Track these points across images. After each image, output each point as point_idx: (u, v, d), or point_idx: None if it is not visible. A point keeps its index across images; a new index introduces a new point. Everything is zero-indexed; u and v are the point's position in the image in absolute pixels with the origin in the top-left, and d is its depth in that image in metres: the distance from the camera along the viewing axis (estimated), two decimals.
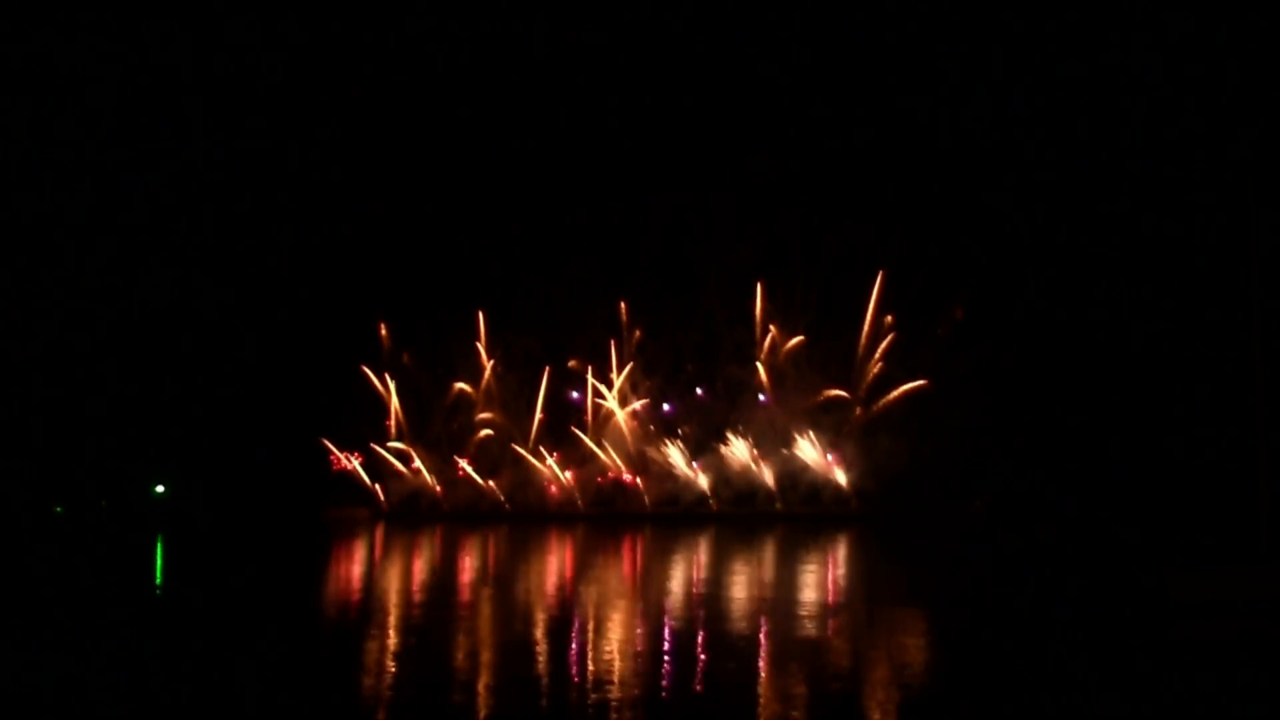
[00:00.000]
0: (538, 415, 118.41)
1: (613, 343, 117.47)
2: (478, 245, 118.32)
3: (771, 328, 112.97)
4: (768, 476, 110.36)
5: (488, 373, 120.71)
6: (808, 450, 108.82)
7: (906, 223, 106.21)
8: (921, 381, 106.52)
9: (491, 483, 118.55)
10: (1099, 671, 23.39)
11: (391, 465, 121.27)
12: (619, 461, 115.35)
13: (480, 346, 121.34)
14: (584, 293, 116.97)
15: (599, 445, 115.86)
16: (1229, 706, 21.04)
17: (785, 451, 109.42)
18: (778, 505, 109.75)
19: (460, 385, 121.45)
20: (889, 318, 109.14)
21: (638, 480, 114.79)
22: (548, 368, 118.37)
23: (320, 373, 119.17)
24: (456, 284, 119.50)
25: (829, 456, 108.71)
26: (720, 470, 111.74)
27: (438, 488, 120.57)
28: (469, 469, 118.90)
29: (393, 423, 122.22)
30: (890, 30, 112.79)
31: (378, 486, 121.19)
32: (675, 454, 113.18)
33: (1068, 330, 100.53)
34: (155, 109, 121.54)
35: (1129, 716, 20.13)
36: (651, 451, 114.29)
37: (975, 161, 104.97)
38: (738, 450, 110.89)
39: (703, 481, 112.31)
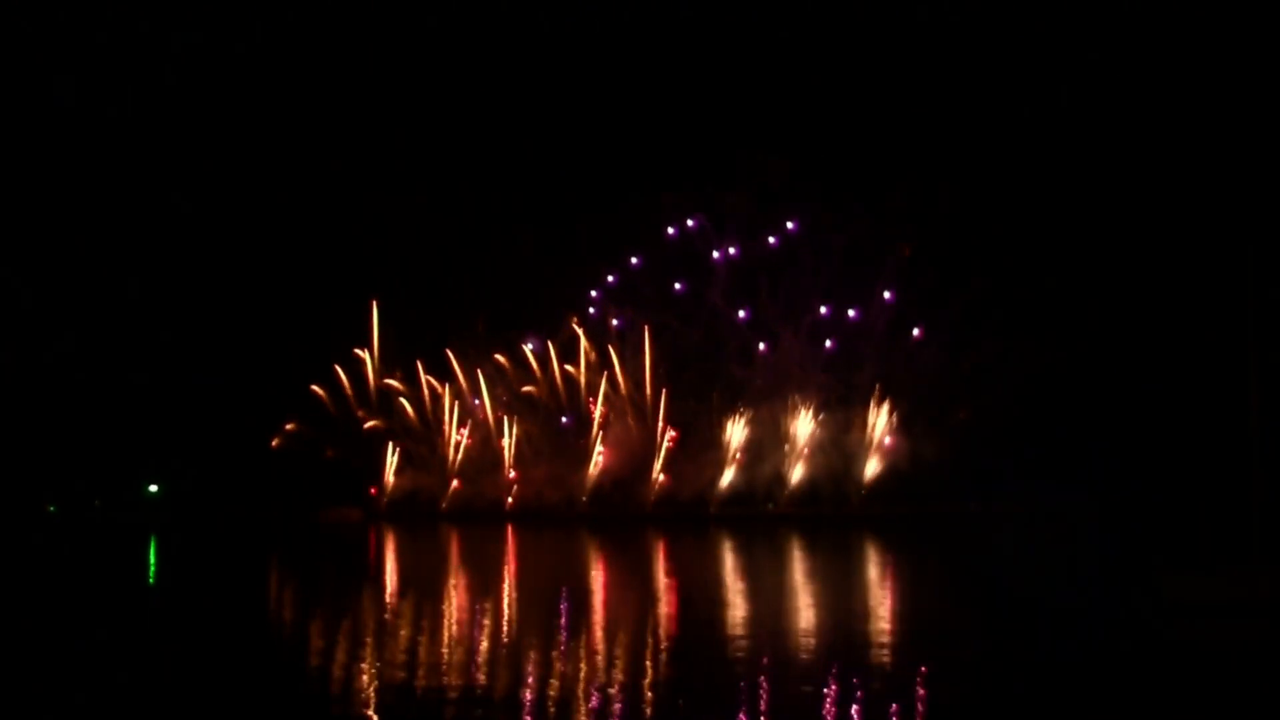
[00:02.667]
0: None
1: (612, 340, 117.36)
2: (480, 245, 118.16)
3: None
4: (802, 428, 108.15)
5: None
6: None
7: (910, 224, 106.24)
8: (963, 415, 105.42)
9: (504, 443, 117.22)
10: (1094, 671, 23.29)
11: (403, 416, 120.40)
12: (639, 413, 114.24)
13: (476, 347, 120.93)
14: (588, 291, 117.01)
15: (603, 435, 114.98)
16: (1223, 707, 20.93)
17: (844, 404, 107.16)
18: (769, 506, 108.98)
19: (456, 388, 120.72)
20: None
21: (666, 442, 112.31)
22: (551, 362, 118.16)
23: (317, 372, 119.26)
24: (458, 284, 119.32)
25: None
26: (758, 427, 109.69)
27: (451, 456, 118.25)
28: (506, 438, 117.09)
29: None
30: (897, 28, 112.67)
31: (392, 454, 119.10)
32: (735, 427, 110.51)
33: (1066, 332, 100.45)
34: (151, 103, 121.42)
35: (1124, 716, 20.04)
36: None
37: (977, 163, 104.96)
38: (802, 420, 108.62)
39: (738, 435, 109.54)
